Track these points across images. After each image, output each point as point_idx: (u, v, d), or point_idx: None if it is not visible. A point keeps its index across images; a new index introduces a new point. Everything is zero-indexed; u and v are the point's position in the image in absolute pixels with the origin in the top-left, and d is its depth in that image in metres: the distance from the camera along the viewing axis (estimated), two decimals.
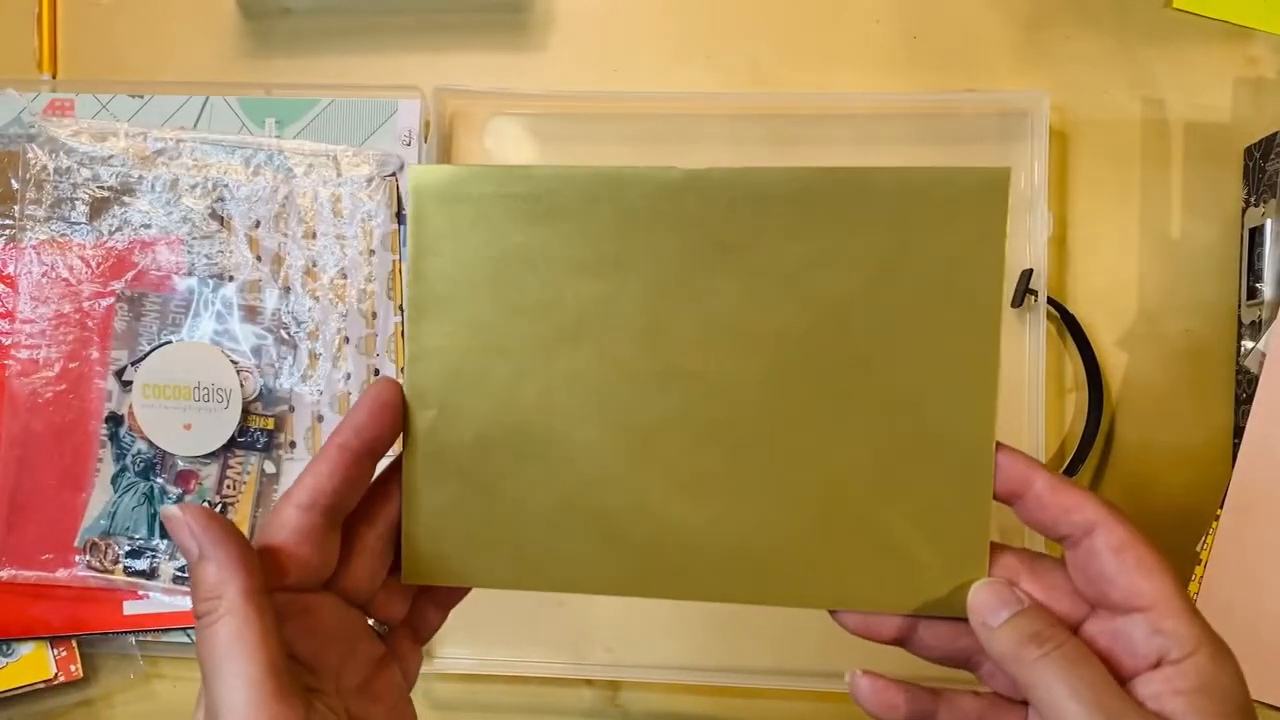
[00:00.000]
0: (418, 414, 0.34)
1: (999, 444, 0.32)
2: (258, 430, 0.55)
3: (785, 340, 0.33)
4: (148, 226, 0.56)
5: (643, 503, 0.34)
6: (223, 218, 0.56)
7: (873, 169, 0.32)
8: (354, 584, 0.33)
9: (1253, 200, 0.53)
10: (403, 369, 0.55)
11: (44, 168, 0.56)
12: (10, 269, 0.56)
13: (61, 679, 0.56)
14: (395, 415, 0.33)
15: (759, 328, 0.33)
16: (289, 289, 0.56)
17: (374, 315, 0.55)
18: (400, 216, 0.56)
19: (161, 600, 0.55)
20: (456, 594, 0.37)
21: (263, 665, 0.28)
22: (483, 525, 0.34)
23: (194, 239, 0.56)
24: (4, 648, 0.56)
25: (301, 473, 0.32)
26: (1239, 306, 0.53)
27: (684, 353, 0.33)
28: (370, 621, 0.35)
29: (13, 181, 0.56)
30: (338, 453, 0.32)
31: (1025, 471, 0.32)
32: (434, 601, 0.37)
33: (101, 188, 0.56)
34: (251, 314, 0.55)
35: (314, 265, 0.56)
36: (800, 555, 0.33)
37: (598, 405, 0.33)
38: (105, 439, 0.56)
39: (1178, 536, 0.52)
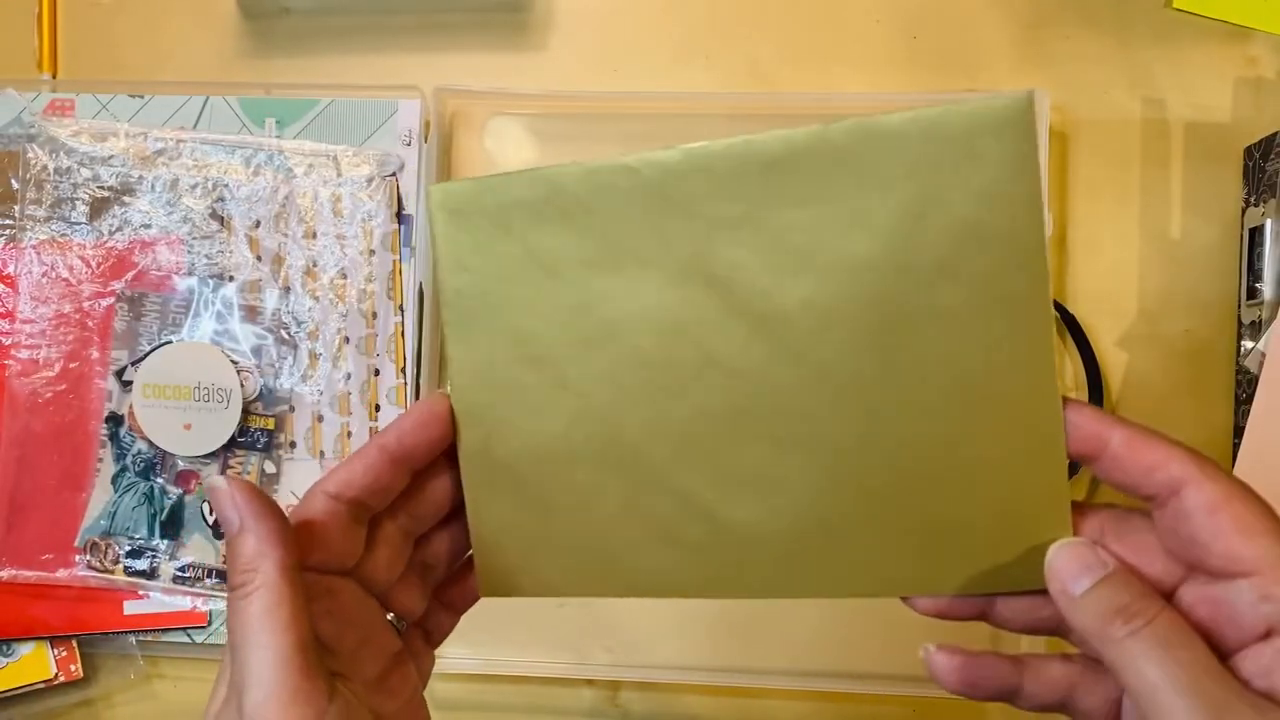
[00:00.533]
0: (467, 431, 0.34)
1: (1066, 399, 0.29)
2: (258, 430, 0.55)
3: (813, 314, 0.30)
4: (148, 226, 0.56)
5: (693, 501, 0.32)
6: (223, 218, 0.56)
7: (880, 117, 0.29)
8: (372, 572, 0.33)
9: (1253, 200, 0.53)
10: (402, 369, 0.55)
11: (44, 168, 0.56)
12: (10, 269, 0.56)
13: (61, 679, 0.56)
14: (441, 429, 0.33)
15: (784, 304, 0.30)
16: (289, 289, 0.56)
17: (374, 315, 0.55)
18: (400, 216, 0.56)
19: (162, 600, 0.55)
20: (470, 598, 0.37)
21: (293, 641, 0.28)
22: (543, 536, 0.34)
23: (194, 239, 0.56)
24: (4, 648, 0.56)
25: (339, 463, 0.33)
26: (1239, 306, 0.53)
27: (711, 340, 0.31)
28: (390, 617, 0.35)
29: (13, 181, 0.56)
30: (376, 453, 0.32)
31: (1099, 428, 0.29)
32: (446, 605, 0.37)
33: (101, 188, 0.56)
34: (251, 314, 0.55)
35: (314, 265, 0.56)
36: (863, 541, 0.31)
37: (635, 404, 0.32)
38: (105, 439, 0.56)
39: None
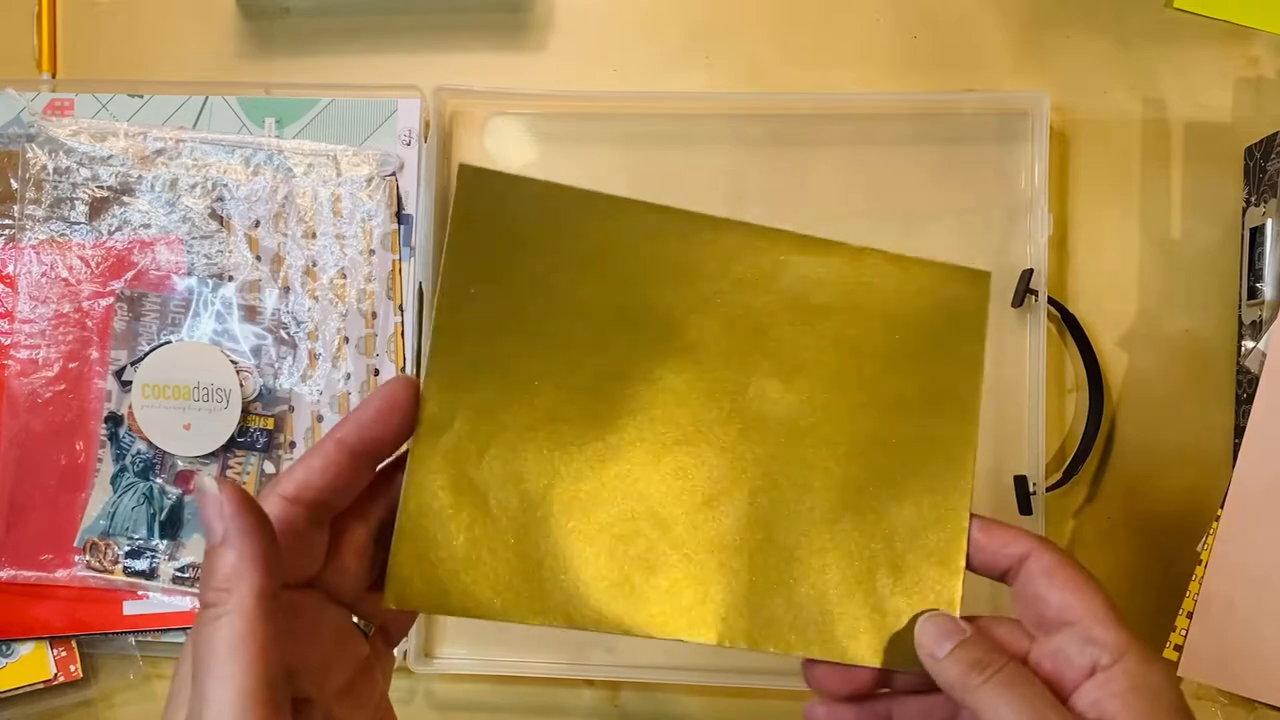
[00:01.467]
0: (433, 428, 0.32)
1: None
2: (257, 430, 0.55)
3: (788, 394, 0.34)
4: (147, 226, 0.56)
5: (632, 535, 0.34)
6: (222, 217, 0.56)
7: (877, 252, 0.35)
8: (339, 581, 0.32)
9: (1253, 200, 0.53)
10: (402, 369, 0.55)
11: (43, 167, 0.56)
12: (10, 269, 0.56)
13: (61, 679, 0.56)
14: (404, 418, 0.31)
15: (762, 379, 0.34)
16: (288, 289, 0.55)
17: (373, 315, 0.55)
18: (400, 216, 0.56)
19: (161, 600, 0.55)
20: None
21: (259, 676, 0.26)
22: (487, 551, 0.33)
23: (193, 239, 0.56)
24: (4, 648, 0.56)
25: (293, 463, 0.31)
26: (1239, 306, 0.53)
27: (687, 393, 0.34)
28: (355, 620, 0.33)
29: (12, 181, 0.56)
30: (334, 448, 0.30)
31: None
32: None
33: (101, 188, 0.56)
34: (251, 314, 0.55)
35: (313, 265, 0.56)
36: (785, 602, 0.34)
37: (599, 433, 0.33)
38: (105, 439, 0.55)
39: (1178, 536, 0.52)
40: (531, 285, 0.33)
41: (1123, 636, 0.32)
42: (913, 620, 0.34)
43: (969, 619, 0.34)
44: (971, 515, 0.35)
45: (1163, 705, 0.31)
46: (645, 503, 0.34)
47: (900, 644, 0.34)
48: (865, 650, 0.34)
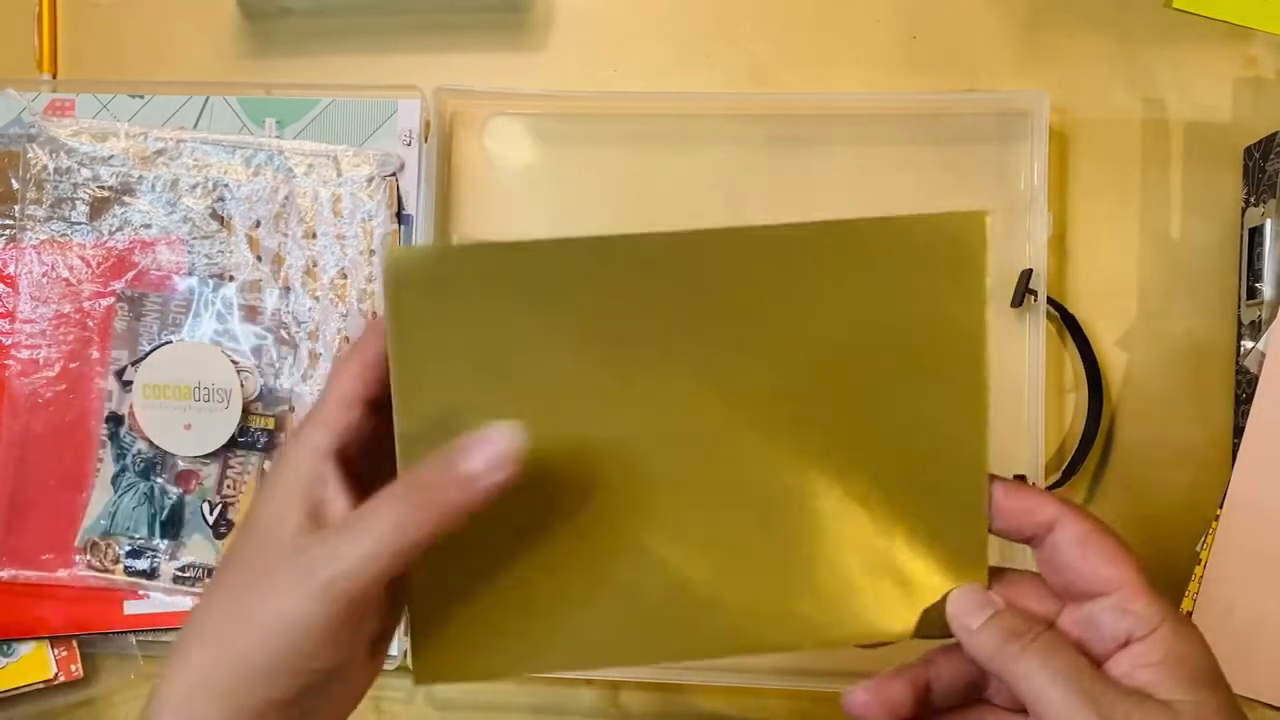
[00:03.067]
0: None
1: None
2: (258, 430, 0.55)
3: (781, 389, 0.33)
4: (148, 226, 0.56)
5: (652, 564, 0.33)
6: (223, 218, 0.56)
7: (855, 221, 0.33)
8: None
9: (1252, 200, 0.53)
10: None
11: (44, 167, 0.56)
12: (10, 269, 0.56)
13: (62, 679, 0.56)
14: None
15: (753, 381, 0.33)
16: (289, 289, 0.56)
17: (374, 315, 0.55)
18: (400, 217, 0.56)
19: (162, 600, 0.55)
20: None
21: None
22: (494, 611, 0.33)
23: (194, 239, 0.56)
24: (4, 648, 0.56)
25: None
26: (1239, 306, 0.53)
27: (681, 413, 0.33)
28: None
29: (13, 181, 0.56)
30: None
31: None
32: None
33: (102, 188, 0.56)
34: (252, 314, 0.55)
35: (314, 265, 0.56)
36: (813, 596, 0.34)
37: (599, 473, 0.33)
38: (105, 439, 0.56)
39: (1178, 536, 0.52)
40: (493, 349, 0.32)
41: (1157, 608, 0.31)
42: (941, 588, 0.34)
43: (995, 572, 0.34)
44: (992, 477, 0.34)
45: (1199, 675, 0.31)
46: (636, 524, 0.33)
47: (930, 614, 0.34)
48: (896, 625, 0.34)
